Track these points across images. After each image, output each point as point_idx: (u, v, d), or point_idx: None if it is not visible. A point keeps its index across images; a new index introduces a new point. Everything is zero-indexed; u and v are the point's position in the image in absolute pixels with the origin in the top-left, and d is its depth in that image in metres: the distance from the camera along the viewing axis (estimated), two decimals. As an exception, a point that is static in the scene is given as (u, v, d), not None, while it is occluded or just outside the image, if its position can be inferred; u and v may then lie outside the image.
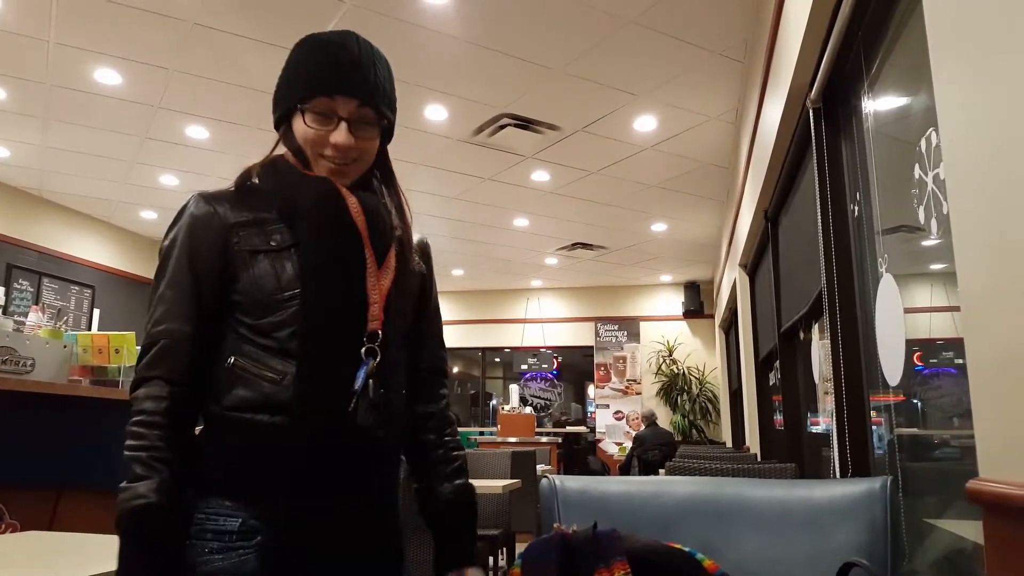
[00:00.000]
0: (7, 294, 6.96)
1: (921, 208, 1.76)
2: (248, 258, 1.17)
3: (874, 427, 2.52)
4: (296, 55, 1.26)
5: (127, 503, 1.07)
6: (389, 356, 1.18)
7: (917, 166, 1.77)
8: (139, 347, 1.19)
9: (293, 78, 1.24)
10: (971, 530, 1.74)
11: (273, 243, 1.18)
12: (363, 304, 1.17)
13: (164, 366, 1.14)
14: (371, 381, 1.14)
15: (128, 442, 1.11)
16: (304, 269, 1.16)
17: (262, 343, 1.15)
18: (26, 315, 4.17)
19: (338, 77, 1.20)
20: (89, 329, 7.80)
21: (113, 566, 1.27)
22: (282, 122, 1.26)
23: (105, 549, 1.56)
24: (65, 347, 3.05)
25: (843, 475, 2.57)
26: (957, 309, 1.35)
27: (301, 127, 1.21)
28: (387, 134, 1.30)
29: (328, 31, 1.26)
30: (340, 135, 1.20)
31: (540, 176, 6.46)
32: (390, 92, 1.28)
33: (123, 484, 1.09)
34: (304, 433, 1.11)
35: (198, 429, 1.20)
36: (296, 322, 1.15)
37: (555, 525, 1.01)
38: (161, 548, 1.08)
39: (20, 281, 7.23)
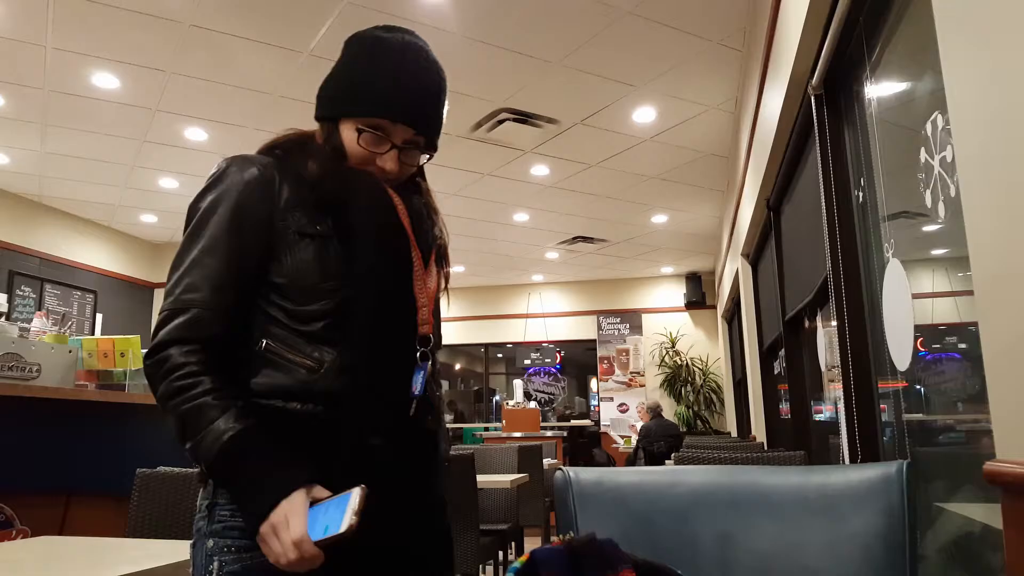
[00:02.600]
0: (10, 301, 6.96)
1: (928, 192, 1.75)
2: (295, 240, 1.11)
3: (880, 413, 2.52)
4: (358, 57, 1.21)
5: (212, 447, 0.99)
6: (436, 359, 1.19)
7: (923, 149, 1.76)
8: (163, 312, 1.08)
9: (354, 84, 1.18)
10: (980, 512, 1.74)
11: (319, 227, 1.12)
12: (413, 307, 1.16)
13: (196, 336, 1.06)
14: (429, 385, 1.15)
15: (175, 399, 1.02)
16: (357, 267, 1.11)
17: (299, 329, 1.10)
18: (29, 321, 4.17)
19: (403, 105, 1.16)
20: (92, 334, 7.80)
21: (124, 569, 1.26)
22: (327, 119, 1.21)
23: (117, 552, 1.56)
24: (70, 352, 3.05)
25: (852, 461, 2.56)
26: (968, 293, 1.35)
27: (351, 141, 1.17)
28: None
29: (396, 35, 1.21)
30: (389, 162, 1.18)
31: (540, 170, 6.46)
32: (443, 115, 1.25)
33: (191, 441, 1.01)
34: (351, 431, 1.08)
35: None
36: (338, 313, 1.10)
37: (555, 538, 1.01)
38: (276, 464, 1.01)
39: (22, 288, 7.22)
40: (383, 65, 1.17)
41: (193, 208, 1.13)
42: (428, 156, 1.26)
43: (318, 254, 1.11)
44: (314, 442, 1.07)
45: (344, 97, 1.19)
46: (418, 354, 1.14)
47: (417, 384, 1.12)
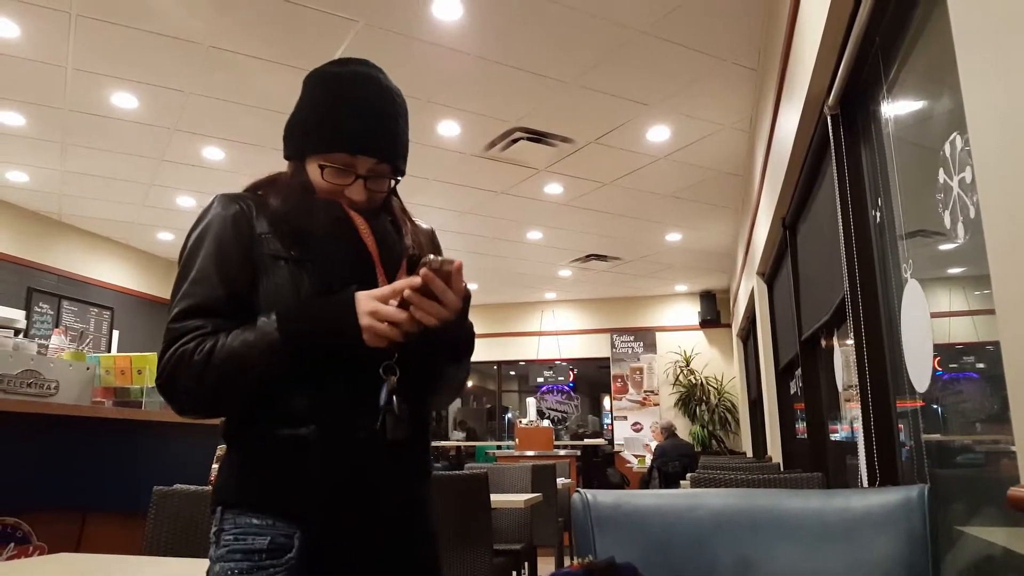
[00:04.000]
0: (28, 318, 7.03)
1: (947, 213, 1.74)
2: (270, 263, 1.17)
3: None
4: (314, 95, 1.24)
5: (272, 337, 1.08)
6: (410, 369, 1.16)
7: (941, 170, 1.75)
8: (163, 344, 1.14)
9: (311, 123, 1.22)
10: (1002, 536, 1.71)
11: (293, 253, 1.17)
12: None
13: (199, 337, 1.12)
14: (394, 397, 1.14)
15: (209, 364, 1.08)
16: (319, 291, 1.15)
17: None
18: (47, 338, 4.21)
19: (361, 136, 1.19)
20: (109, 351, 7.86)
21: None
22: (294, 158, 1.25)
23: (133, 570, 1.57)
24: (88, 369, 3.07)
25: (871, 483, 2.53)
26: (988, 312, 1.33)
27: (317, 177, 1.21)
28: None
29: (347, 68, 1.24)
30: (356, 192, 1.21)
31: (553, 189, 6.47)
32: (406, 140, 1.28)
33: (250, 362, 1.07)
34: (331, 446, 1.10)
35: (221, 449, 1.20)
36: None
37: (573, 562, 0.99)
38: (324, 297, 1.12)
39: (40, 304, 7.30)
40: (338, 100, 1.21)
41: (184, 244, 1.20)
42: (397, 180, 1.29)
43: (292, 277, 1.16)
44: (300, 464, 1.10)
45: (305, 136, 1.23)
46: (382, 368, 1.14)
47: (382, 397, 1.13)
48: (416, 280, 1.09)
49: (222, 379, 1.08)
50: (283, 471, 1.11)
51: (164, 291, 8.92)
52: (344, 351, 1.09)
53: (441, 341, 1.17)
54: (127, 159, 5.84)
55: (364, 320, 1.08)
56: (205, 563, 1.14)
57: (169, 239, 8.12)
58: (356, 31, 4.04)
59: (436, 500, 1.25)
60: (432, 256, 1.10)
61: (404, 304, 1.10)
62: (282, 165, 1.30)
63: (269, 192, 1.25)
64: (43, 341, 3.63)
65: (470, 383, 12.92)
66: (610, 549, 1.15)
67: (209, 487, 2.10)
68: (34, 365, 2.82)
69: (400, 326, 1.09)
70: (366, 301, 1.10)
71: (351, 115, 1.20)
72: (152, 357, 3.37)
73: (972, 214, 1.56)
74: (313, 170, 1.21)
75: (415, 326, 1.10)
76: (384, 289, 1.11)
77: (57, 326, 7.26)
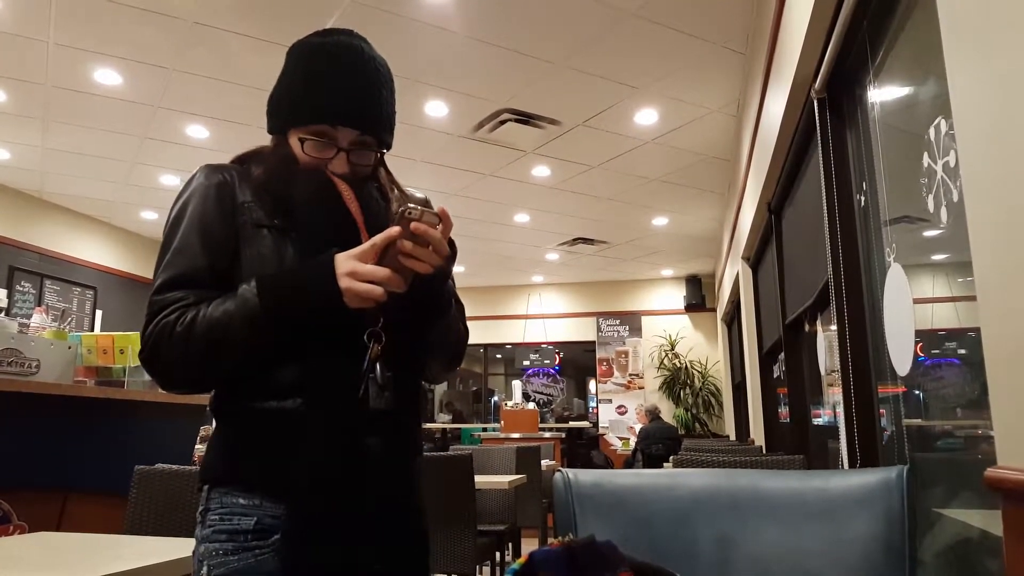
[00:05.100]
0: (9, 296, 6.95)
1: (930, 197, 1.75)
2: (253, 233, 1.15)
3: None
4: (296, 66, 1.21)
5: (252, 304, 1.05)
6: (395, 337, 1.14)
7: (926, 154, 1.76)
8: (145, 317, 1.11)
9: (293, 96, 1.20)
10: (978, 518, 1.73)
11: (276, 221, 1.16)
12: None
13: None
14: (378, 364, 1.12)
15: (191, 334, 1.05)
16: (302, 257, 1.13)
17: None
18: (28, 317, 4.17)
19: (341, 107, 1.17)
20: (92, 330, 7.79)
21: (121, 566, 1.26)
22: (277, 132, 1.24)
23: (114, 549, 1.56)
24: (70, 348, 3.05)
25: (852, 466, 2.56)
26: (970, 298, 1.34)
27: (299, 150, 1.19)
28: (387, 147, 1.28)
29: (330, 38, 1.22)
30: (339, 165, 1.19)
31: (541, 171, 6.45)
32: (392, 112, 1.25)
33: (233, 330, 1.05)
34: (317, 418, 1.08)
35: (204, 429, 1.18)
36: None
37: (554, 540, 1.00)
38: (303, 262, 1.11)
39: (22, 283, 7.22)
40: (318, 71, 1.19)
41: (168, 216, 1.18)
42: (382, 152, 1.27)
43: (276, 246, 1.14)
44: (287, 438, 1.08)
45: (286, 109, 1.21)
46: (366, 334, 1.12)
47: (365, 364, 1.11)
48: (394, 231, 1.06)
49: (204, 350, 1.06)
50: (268, 445, 1.09)
51: (148, 270, 8.81)
52: (327, 315, 1.07)
53: (427, 296, 1.14)
54: (110, 136, 5.76)
55: (343, 281, 1.05)
56: (185, 542, 1.13)
57: (153, 218, 8.04)
58: (343, 8, 3.99)
59: (422, 479, 1.24)
60: (412, 205, 1.07)
61: (389, 261, 1.08)
62: (267, 142, 1.28)
63: (253, 163, 1.23)
64: (24, 320, 3.58)
65: (456, 366, 12.90)
66: (591, 527, 1.16)
67: (190, 467, 2.10)
68: (15, 343, 2.79)
69: (382, 284, 1.06)
70: (344, 261, 1.07)
71: (331, 86, 1.17)
72: (135, 336, 3.35)
73: (955, 198, 1.57)
74: (295, 144, 1.19)
75: (397, 283, 1.08)
76: (364, 246, 1.08)
77: (39, 305, 7.19)
